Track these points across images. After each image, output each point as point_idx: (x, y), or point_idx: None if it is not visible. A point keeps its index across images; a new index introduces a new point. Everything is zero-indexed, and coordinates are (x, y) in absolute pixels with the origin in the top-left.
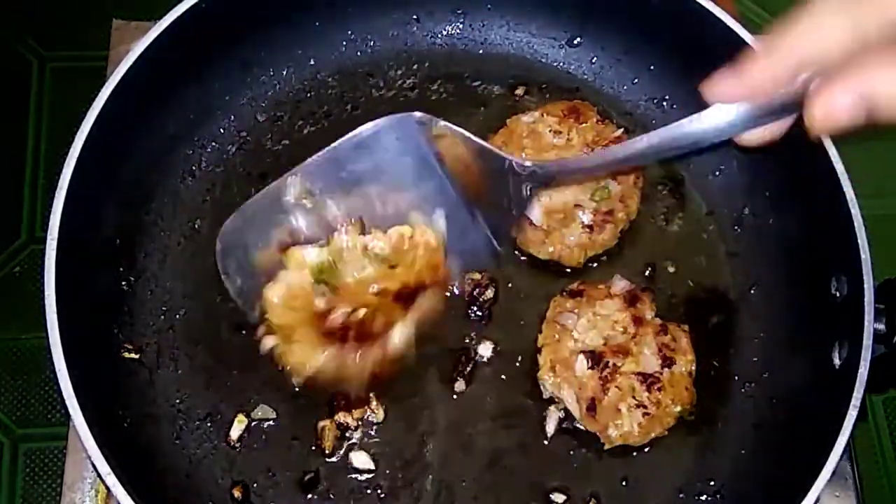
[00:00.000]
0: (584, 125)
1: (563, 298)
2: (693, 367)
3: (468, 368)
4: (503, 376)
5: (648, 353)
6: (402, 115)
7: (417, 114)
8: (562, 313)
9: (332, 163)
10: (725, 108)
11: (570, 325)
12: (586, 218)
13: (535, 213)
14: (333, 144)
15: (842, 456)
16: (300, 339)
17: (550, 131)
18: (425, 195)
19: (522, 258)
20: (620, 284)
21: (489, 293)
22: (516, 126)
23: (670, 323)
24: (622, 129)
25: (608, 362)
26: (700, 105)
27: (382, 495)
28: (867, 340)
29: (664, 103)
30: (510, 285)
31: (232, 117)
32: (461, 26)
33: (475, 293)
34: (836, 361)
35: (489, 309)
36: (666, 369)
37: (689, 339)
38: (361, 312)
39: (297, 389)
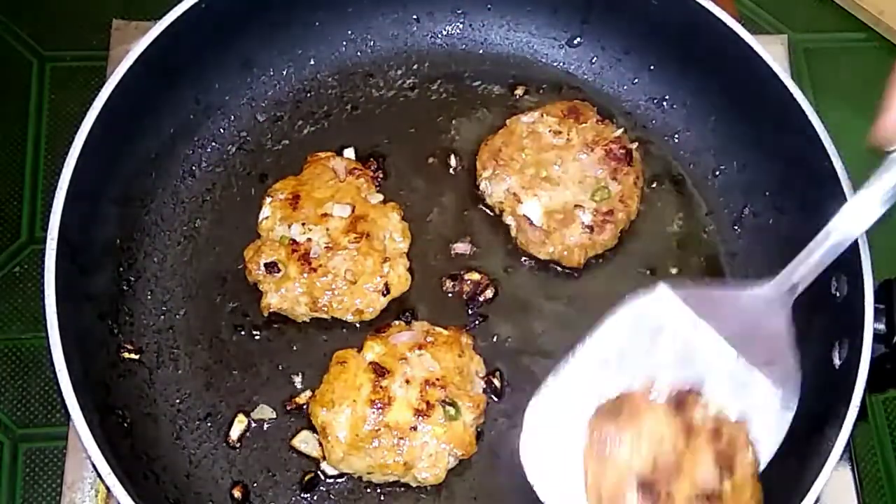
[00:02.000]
0: (583, 125)
1: (600, 421)
2: (757, 464)
3: None
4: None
5: (705, 467)
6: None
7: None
8: (600, 438)
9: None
10: None
11: (614, 451)
12: (586, 218)
13: (536, 213)
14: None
15: (842, 456)
16: None
17: (550, 131)
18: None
19: (522, 258)
20: (663, 387)
21: (489, 293)
22: (516, 126)
23: (724, 422)
24: (622, 129)
25: (661, 491)
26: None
27: (382, 495)
28: (867, 340)
29: (664, 103)
30: (510, 285)
31: (232, 117)
32: (461, 26)
33: (475, 293)
34: (836, 361)
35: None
36: (727, 480)
37: (746, 434)
38: None
39: (301, 384)
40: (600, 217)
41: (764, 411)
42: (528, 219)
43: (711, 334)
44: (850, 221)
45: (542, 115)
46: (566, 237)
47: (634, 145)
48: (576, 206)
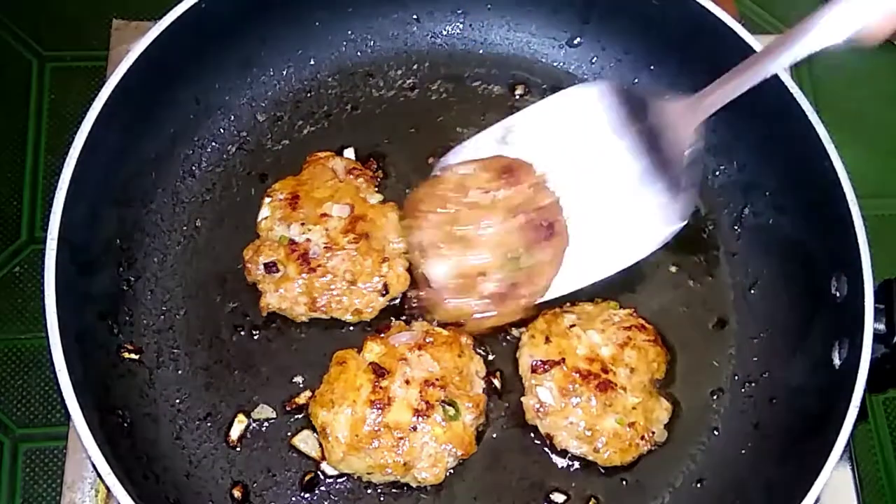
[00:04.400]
0: (514, 188)
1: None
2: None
3: None
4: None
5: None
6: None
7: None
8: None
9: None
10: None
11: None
12: (488, 287)
13: (439, 273)
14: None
15: (842, 456)
16: None
17: (478, 189)
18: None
19: None
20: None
21: None
22: (445, 177)
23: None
24: (556, 198)
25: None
26: None
27: (382, 495)
28: (867, 340)
29: None
30: None
31: (232, 117)
32: (461, 26)
33: None
34: (836, 361)
35: None
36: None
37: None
38: None
39: (301, 384)
40: (504, 288)
41: (647, 219)
42: (428, 278)
43: (619, 144)
44: (783, 52)
45: (474, 171)
46: (461, 305)
47: (565, 217)
48: (480, 273)
